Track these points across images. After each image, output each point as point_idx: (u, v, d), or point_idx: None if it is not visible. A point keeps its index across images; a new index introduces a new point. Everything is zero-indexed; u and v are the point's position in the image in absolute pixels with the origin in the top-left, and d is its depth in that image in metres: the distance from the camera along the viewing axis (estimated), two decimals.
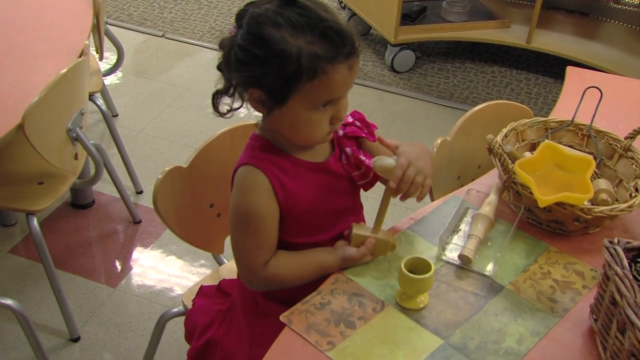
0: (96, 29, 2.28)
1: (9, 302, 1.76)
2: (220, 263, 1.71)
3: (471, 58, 3.58)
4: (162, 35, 3.59)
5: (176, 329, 2.02)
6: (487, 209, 1.37)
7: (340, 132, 1.33)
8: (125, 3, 3.81)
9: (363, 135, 1.34)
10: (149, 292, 2.22)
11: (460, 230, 1.38)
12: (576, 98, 1.54)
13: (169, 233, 1.73)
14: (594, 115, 1.53)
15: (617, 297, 1.06)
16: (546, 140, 1.48)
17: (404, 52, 3.38)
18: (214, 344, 1.40)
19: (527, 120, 1.55)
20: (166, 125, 2.96)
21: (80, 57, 1.93)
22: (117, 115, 2.98)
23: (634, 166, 1.45)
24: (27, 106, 1.66)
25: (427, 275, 1.18)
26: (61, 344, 2.05)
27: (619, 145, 1.50)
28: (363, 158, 1.31)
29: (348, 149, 1.32)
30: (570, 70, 2.00)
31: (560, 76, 2.66)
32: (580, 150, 1.53)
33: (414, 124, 3.09)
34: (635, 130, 1.47)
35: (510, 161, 1.39)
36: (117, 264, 2.33)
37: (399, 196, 1.24)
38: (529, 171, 1.37)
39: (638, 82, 2.05)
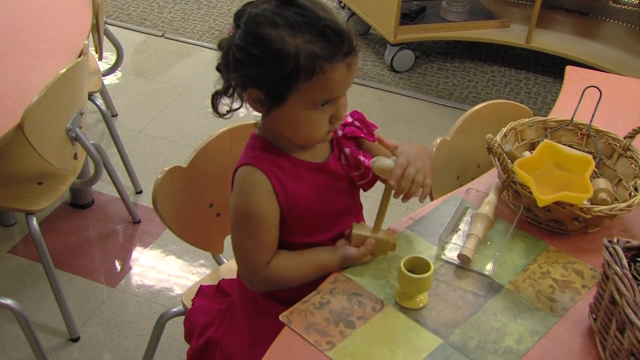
0: (95, 28, 2.28)
1: (8, 302, 1.76)
2: (219, 263, 1.71)
3: (470, 58, 3.58)
4: (162, 35, 3.59)
5: (176, 328, 2.02)
6: (487, 208, 1.37)
7: (340, 133, 1.33)
8: (125, 3, 3.81)
9: (362, 135, 1.34)
10: (148, 292, 2.22)
11: (460, 229, 1.38)
12: (575, 97, 1.54)
13: (169, 233, 1.73)
14: (594, 115, 1.53)
15: (617, 297, 1.06)
16: (545, 140, 1.48)
17: (403, 51, 3.38)
18: (213, 344, 1.40)
19: (527, 119, 1.55)
20: (166, 125, 2.96)
21: (79, 57, 1.93)
22: (116, 115, 2.98)
23: (633, 165, 1.45)
24: (27, 106, 1.66)
25: (426, 275, 1.18)
26: (61, 343, 2.05)
27: (618, 145, 1.50)
28: (362, 158, 1.31)
29: (347, 150, 1.32)
30: (569, 69, 2.00)
31: (559, 76, 2.67)
32: (580, 150, 1.53)
33: (414, 123, 3.09)
34: (634, 130, 1.48)
35: (509, 161, 1.39)
36: (117, 263, 2.33)
37: (401, 197, 1.23)
38: (528, 171, 1.37)
39: (637, 81, 2.05)
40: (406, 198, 1.23)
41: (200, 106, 3.09)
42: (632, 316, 1.02)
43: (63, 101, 1.84)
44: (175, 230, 1.51)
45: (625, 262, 1.09)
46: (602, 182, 1.42)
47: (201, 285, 1.55)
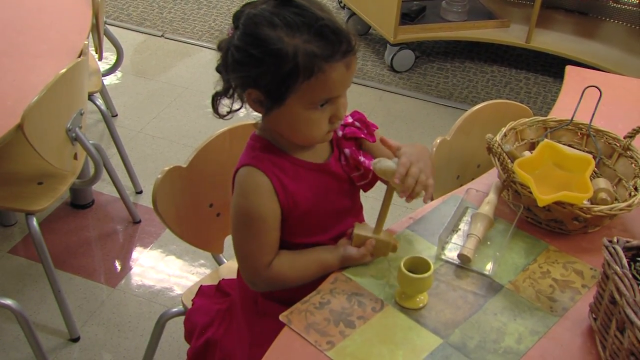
0: (95, 29, 2.28)
1: (8, 302, 1.76)
2: (219, 263, 1.71)
3: (470, 57, 3.58)
4: (162, 35, 3.59)
5: (176, 328, 2.02)
6: (487, 208, 1.37)
7: (340, 133, 1.32)
8: (125, 3, 3.81)
9: (362, 136, 1.34)
10: (148, 292, 2.22)
11: (460, 229, 1.38)
12: (575, 97, 1.54)
13: (169, 233, 1.73)
14: (593, 115, 1.53)
15: (617, 296, 1.06)
16: (545, 140, 1.48)
17: (403, 51, 3.38)
18: (213, 344, 1.40)
19: (527, 119, 1.55)
20: (165, 125, 2.96)
21: (79, 57, 1.93)
22: (116, 115, 2.98)
23: (633, 165, 1.45)
24: (27, 106, 1.66)
25: (426, 275, 1.18)
26: (61, 344, 2.05)
27: (618, 145, 1.50)
28: (362, 159, 1.31)
29: (347, 150, 1.32)
30: (569, 69, 2.00)
31: (559, 75, 2.67)
32: (580, 150, 1.53)
33: (414, 123, 3.09)
34: (634, 130, 1.47)
35: (509, 160, 1.39)
36: (117, 263, 2.33)
37: (405, 197, 1.22)
38: (528, 170, 1.37)
39: (637, 81, 2.05)
40: (410, 198, 1.22)
41: (200, 106, 3.09)
42: (632, 316, 1.02)
43: (63, 101, 1.84)
44: (175, 230, 1.51)
45: (625, 261, 1.09)
46: (602, 182, 1.42)
47: (201, 285, 1.55)
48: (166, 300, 2.20)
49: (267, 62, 1.14)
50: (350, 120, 1.34)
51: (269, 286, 1.31)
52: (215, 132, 1.53)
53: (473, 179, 1.59)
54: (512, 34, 3.38)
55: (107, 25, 2.60)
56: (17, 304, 1.77)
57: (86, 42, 2.00)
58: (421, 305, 1.21)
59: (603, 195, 1.39)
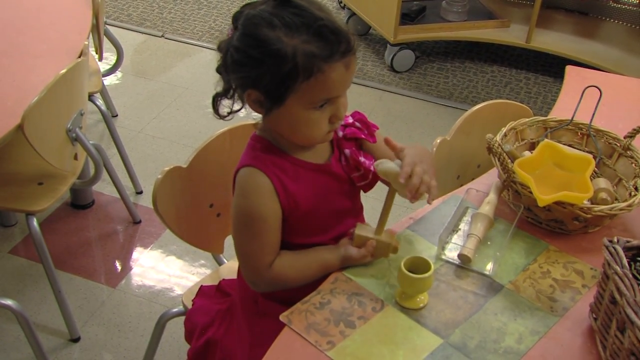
0: (95, 29, 2.28)
1: (9, 302, 1.76)
2: (220, 263, 1.71)
3: (471, 57, 3.58)
4: (162, 36, 3.59)
5: (176, 329, 2.02)
6: (487, 208, 1.37)
7: (340, 134, 1.32)
8: (125, 3, 3.81)
9: (363, 136, 1.34)
10: (149, 292, 2.22)
11: (460, 229, 1.38)
12: (576, 97, 1.54)
13: (169, 233, 1.72)
14: (594, 115, 1.53)
15: (617, 296, 1.06)
16: (545, 140, 1.48)
17: (403, 51, 3.38)
18: (214, 344, 1.40)
19: (527, 119, 1.55)
20: (166, 126, 2.96)
21: (79, 57, 1.93)
22: (116, 115, 2.98)
23: (633, 165, 1.45)
24: (27, 106, 1.66)
25: (426, 275, 1.18)
26: (61, 344, 2.05)
27: (618, 145, 1.50)
28: (362, 160, 1.31)
29: (347, 151, 1.32)
30: (569, 69, 2.00)
31: (559, 75, 2.66)
32: (580, 150, 1.53)
33: (414, 123, 3.09)
34: (634, 129, 1.47)
35: (509, 160, 1.39)
36: (117, 264, 2.33)
37: (410, 198, 1.21)
38: (529, 170, 1.37)
39: (637, 81, 2.05)
40: (414, 198, 1.21)
41: (200, 106, 3.09)
42: (633, 316, 1.02)
43: (63, 102, 1.84)
44: (176, 230, 1.51)
45: (625, 261, 1.09)
46: (603, 182, 1.42)
47: (201, 286, 1.55)
48: (166, 300, 2.20)
49: (266, 62, 1.14)
50: (350, 120, 1.34)
51: (270, 286, 1.31)
52: (215, 133, 1.53)
53: (473, 179, 1.59)
54: (512, 34, 3.38)
55: (107, 26, 2.60)
56: (18, 305, 1.77)
57: (86, 43, 2.00)
58: (421, 305, 1.21)
59: (603, 195, 1.39)
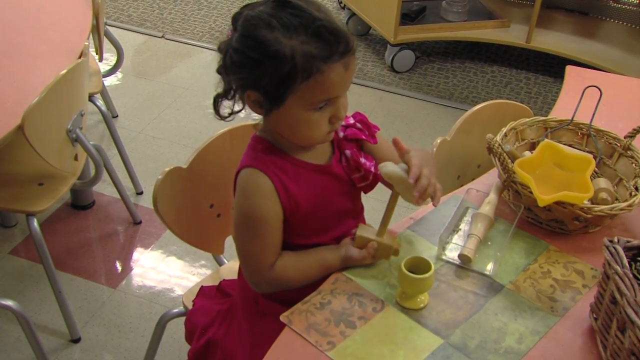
0: (96, 29, 2.28)
1: (9, 303, 1.76)
2: (220, 263, 1.71)
3: (471, 58, 3.58)
4: (162, 36, 3.59)
5: (177, 329, 2.02)
6: (487, 208, 1.37)
7: (341, 134, 1.32)
8: (125, 4, 3.81)
9: (363, 137, 1.34)
10: (149, 293, 2.22)
11: (460, 229, 1.38)
12: (576, 97, 1.54)
13: (169, 234, 1.73)
14: (594, 115, 1.53)
15: (617, 296, 1.06)
16: (546, 140, 1.48)
17: (403, 52, 3.38)
18: (214, 344, 1.40)
19: (527, 119, 1.55)
20: (166, 126, 2.96)
21: (79, 58, 1.93)
22: (117, 116, 2.98)
23: (633, 165, 1.45)
24: (27, 107, 1.66)
25: (427, 275, 1.18)
26: (62, 344, 2.05)
27: (618, 144, 1.50)
28: (363, 161, 1.31)
29: (348, 152, 1.31)
30: (569, 69, 2.00)
31: (559, 75, 2.66)
32: (580, 150, 1.53)
33: (414, 123, 3.09)
34: (634, 129, 1.47)
35: (509, 160, 1.39)
36: (118, 264, 2.33)
37: (418, 198, 1.20)
38: (529, 170, 1.37)
39: (638, 81, 2.05)
40: (421, 199, 1.21)
41: (200, 107, 3.09)
42: (633, 316, 1.01)
43: (63, 102, 1.84)
44: (176, 231, 1.51)
45: (625, 261, 1.09)
46: (603, 182, 1.42)
47: (202, 286, 1.55)
48: (167, 301, 2.20)
49: (265, 64, 1.14)
50: (351, 121, 1.34)
51: (272, 287, 1.31)
52: (215, 133, 1.53)
53: (473, 179, 1.59)
54: (512, 34, 3.38)
55: (107, 26, 2.60)
56: (18, 305, 1.77)
57: (86, 43, 2.00)
58: (422, 305, 1.21)
59: (603, 195, 1.39)
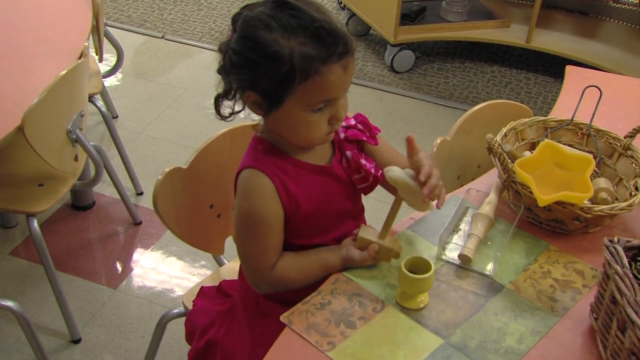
0: (95, 30, 2.28)
1: (9, 303, 1.76)
2: (220, 264, 1.71)
3: (471, 58, 3.58)
4: (162, 37, 3.59)
5: (177, 329, 2.02)
6: (487, 208, 1.37)
7: (342, 135, 1.32)
8: (125, 4, 3.81)
9: (364, 138, 1.34)
10: (149, 293, 2.22)
11: (460, 229, 1.38)
12: (576, 97, 1.54)
13: (170, 234, 1.73)
14: (594, 114, 1.53)
15: (617, 296, 1.06)
16: (546, 140, 1.48)
17: (403, 52, 3.38)
18: (214, 345, 1.40)
19: (527, 119, 1.55)
20: (166, 127, 2.96)
21: (79, 58, 1.93)
22: (117, 116, 2.98)
23: (633, 165, 1.45)
24: (27, 108, 1.66)
25: (427, 275, 1.18)
26: (62, 345, 2.05)
27: (618, 144, 1.50)
28: (364, 162, 1.31)
29: (348, 153, 1.31)
30: (569, 69, 2.00)
31: (559, 75, 2.66)
32: (580, 149, 1.53)
33: (414, 124, 3.09)
34: (634, 129, 1.47)
35: (509, 160, 1.39)
36: (118, 265, 2.33)
37: (427, 195, 1.20)
38: (529, 170, 1.37)
39: (637, 81, 2.05)
40: (428, 198, 1.21)
41: (200, 107, 3.09)
42: (633, 315, 1.01)
43: (63, 103, 1.84)
44: (176, 231, 1.51)
45: (625, 261, 1.09)
46: (603, 182, 1.42)
47: (202, 287, 1.55)
48: (167, 301, 2.20)
49: (263, 65, 1.14)
50: (352, 122, 1.34)
51: (273, 288, 1.31)
52: (215, 133, 1.53)
53: (473, 179, 1.59)
54: (512, 34, 3.38)
55: (107, 27, 2.60)
56: (18, 306, 1.77)
57: (86, 44, 2.00)
58: (422, 305, 1.21)
59: (604, 195, 1.39)
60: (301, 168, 1.26)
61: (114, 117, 2.95)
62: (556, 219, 1.36)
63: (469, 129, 1.67)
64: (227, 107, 1.26)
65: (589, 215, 1.31)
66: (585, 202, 1.34)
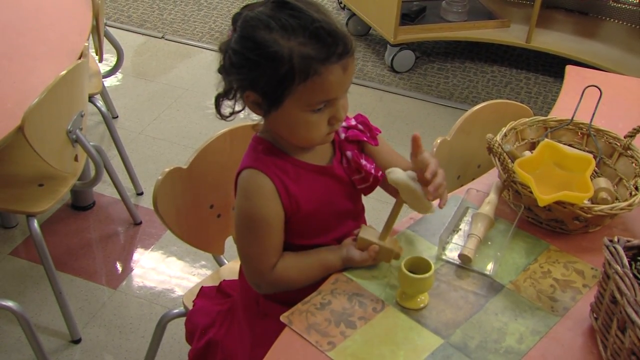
0: (95, 30, 2.28)
1: (10, 304, 1.77)
2: (220, 264, 1.71)
3: (471, 58, 3.58)
4: (162, 37, 3.59)
5: (177, 330, 2.02)
6: (487, 208, 1.37)
7: (342, 136, 1.32)
8: (125, 4, 3.81)
9: (364, 139, 1.34)
10: (149, 294, 2.22)
11: (460, 229, 1.38)
12: (576, 97, 1.54)
13: (170, 234, 1.73)
14: (594, 114, 1.53)
15: (618, 296, 1.06)
16: (546, 139, 1.48)
17: (403, 52, 3.38)
18: (214, 345, 1.40)
19: (527, 119, 1.55)
20: (166, 127, 2.96)
21: (79, 58, 1.93)
22: (117, 116, 2.98)
23: (633, 165, 1.45)
24: (27, 108, 1.66)
25: (427, 275, 1.18)
26: (62, 345, 2.05)
27: (618, 144, 1.50)
28: (364, 162, 1.31)
29: (349, 153, 1.31)
30: (569, 69, 2.00)
31: (559, 75, 2.66)
32: (580, 149, 1.53)
33: (414, 124, 3.09)
34: (634, 129, 1.47)
35: (509, 160, 1.39)
36: (118, 265, 2.33)
37: (432, 193, 1.20)
38: (529, 170, 1.37)
39: (637, 80, 2.05)
40: (432, 196, 1.21)
41: (200, 107, 3.09)
42: (633, 315, 1.01)
43: (63, 103, 1.84)
44: (176, 231, 1.51)
45: (626, 261, 1.09)
46: (603, 182, 1.42)
47: (202, 287, 1.55)
48: (167, 301, 2.20)
49: (262, 65, 1.14)
50: (353, 122, 1.34)
51: (273, 288, 1.31)
52: (215, 134, 1.53)
53: (473, 179, 1.59)
54: (512, 34, 3.38)
55: (107, 27, 2.60)
56: (19, 306, 1.77)
57: (86, 44, 2.00)
58: (422, 305, 1.21)
59: (604, 194, 1.39)
60: (301, 168, 1.26)
61: (114, 117, 2.95)
62: (556, 219, 1.36)
63: (469, 129, 1.67)
64: (227, 106, 1.26)
65: (589, 215, 1.31)
66: (585, 202, 1.34)
